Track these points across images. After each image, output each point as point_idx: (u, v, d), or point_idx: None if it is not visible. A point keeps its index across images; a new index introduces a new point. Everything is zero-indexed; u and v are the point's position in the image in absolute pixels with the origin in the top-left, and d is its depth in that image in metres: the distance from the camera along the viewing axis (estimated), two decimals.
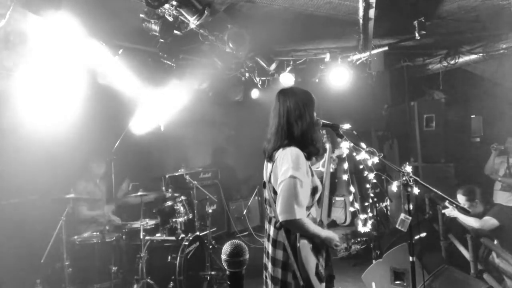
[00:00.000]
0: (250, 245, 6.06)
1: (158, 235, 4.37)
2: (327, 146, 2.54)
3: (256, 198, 7.22)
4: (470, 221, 3.78)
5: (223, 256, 1.53)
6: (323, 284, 2.00)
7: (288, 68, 5.44)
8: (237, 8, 3.64)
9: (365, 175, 4.18)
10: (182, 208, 4.61)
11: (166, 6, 3.24)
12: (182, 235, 4.16)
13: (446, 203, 3.90)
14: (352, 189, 5.67)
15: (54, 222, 3.61)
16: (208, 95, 6.37)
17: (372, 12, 3.33)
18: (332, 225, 6.83)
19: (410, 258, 2.34)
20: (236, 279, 1.53)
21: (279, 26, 4.06)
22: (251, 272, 2.17)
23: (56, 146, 3.95)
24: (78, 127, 4.12)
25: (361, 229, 5.03)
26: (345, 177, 6.04)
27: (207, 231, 4.99)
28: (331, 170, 2.51)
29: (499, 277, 3.56)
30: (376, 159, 2.46)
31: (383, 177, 4.74)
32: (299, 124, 2.02)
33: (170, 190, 4.98)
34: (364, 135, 7.01)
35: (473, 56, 5.27)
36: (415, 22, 3.89)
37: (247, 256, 1.53)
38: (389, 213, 5.99)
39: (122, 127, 4.59)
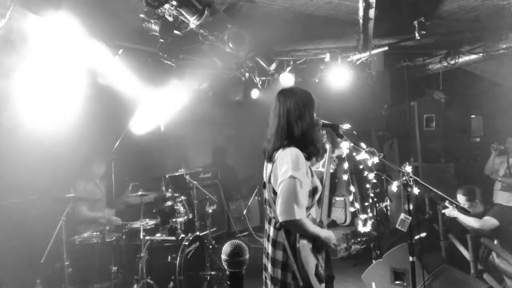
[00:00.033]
0: (250, 245, 6.06)
1: (158, 235, 4.37)
2: (327, 146, 2.54)
3: (256, 198, 7.22)
4: (470, 221, 3.78)
5: (223, 256, 1.53)
6: (323, 285, 2.00)
7: (288, 68, 5.44)
8: (237, 8, 3.64)
9: (365, 175, 4.18)
10: (182, 208, 4.61)
11: (166, 6, 3.24)
12: (182, 235, 4.16)
13: (446, 203, 3.90)
14: (352, 189, 5.68)
15: (54, 222, 3.60)
16: (208, 95, 6.37)
17: (372, 12, 3.33)
18: (332, 225, 6.83)
19: (410, 258, 2.34)
20: (236, 279, 1.53)
21: (279, 26, 4.06)
22: (251, 272, 2.17)
23: (56, 146, 3.95)
24: (78, 127, 4.12)
25: (361, 229, 5.03)
26: (345, 177, 6.05)
27: (207, 231, 4.99)
28: (331, 170, 2.51)
29: (499, 277, 3.56)
30: (376, 159, 2.46)
31: (383, 177, 4.75)
32: (299, 125, 2.02)
33: (170, 190, 4.99)
34: (364, 135, 7.01)
35: (473, 56, 5.27)
36: (415, 22, 3.89)
37: (247, 256, 1.53)
38: (389, 213, 6.00)
39: (122, 127, 4.60)
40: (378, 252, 4.74)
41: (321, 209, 2.20)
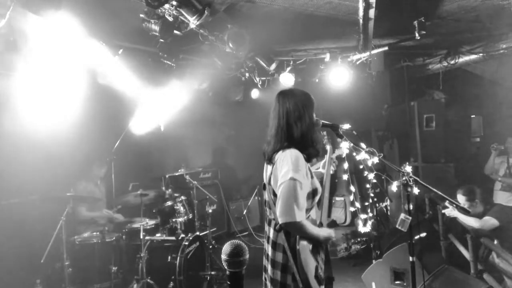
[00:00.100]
0: (250, 245, 6.06)
1: (158, 235, 4.37)
2: (328, 147, 2.53)
3: (256, 198, 7.22)
4: (470, 221, 3.78)
5: (223, 256, 1.53)
6: (322, 287, 1.99)
7: (288, 68, 5.44)
8: (237, 8, 3.64)
9: (365, 175, 4.17)
10: (182, 208, 4.61)
11: (166, 6, 3.24)
12: (182, 235, 4.16)
13: (446, 203, 3.90)
14: (352, 189, 5.68)
15: (54, 222, 3.60)
16: (208, 95, 6.37)
17: (372, 12, 3.33)
18: (332, 225, 6.83)
19: (410, 258, 2.33)
20: (236, 279, 1.53)
21: (279, 26, 4.06)
22: (251, 272, 2.17)
23: (56, 146, 3.95)
24: (78, 127, 4.12)
25: (361, 229, 5.03)
26: (345, 177, 6.04)
27: (207, 231, 4.99)
28: (331, 172, 2.51)
29: (499, 277, 3.56)
30: (376, 159, 2.45)
31: (383, 177, 4.74)
32: (299, 126, 2.02)
33: (170, 190, 4.98)
34: (364, 135, 7.02)
35: (473, 56, 5.27)
36: (415, 22, 3.89)
37: (247, 256, 1.53)
38: (389, 213, 6.00)
39: (122, 127, 4.59)
40: (378, 252, 4.74)
41: (321, 210, 2.19)
